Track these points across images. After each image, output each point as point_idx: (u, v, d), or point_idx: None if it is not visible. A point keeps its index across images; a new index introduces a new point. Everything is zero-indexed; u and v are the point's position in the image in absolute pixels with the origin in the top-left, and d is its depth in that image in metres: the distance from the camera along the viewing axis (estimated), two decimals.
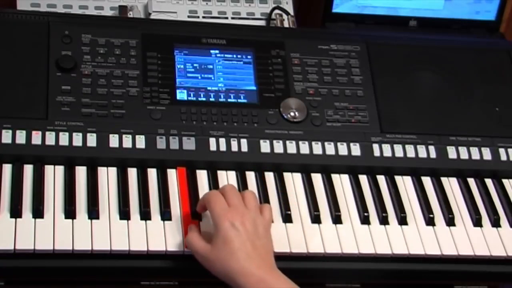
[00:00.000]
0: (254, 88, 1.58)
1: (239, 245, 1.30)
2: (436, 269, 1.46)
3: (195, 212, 1.42)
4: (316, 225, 1.46)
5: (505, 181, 1.60)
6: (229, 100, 1.56)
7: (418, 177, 1.56)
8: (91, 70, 1.53)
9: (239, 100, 1.57)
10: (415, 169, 1.57)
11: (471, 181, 1.58)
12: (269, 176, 1.51)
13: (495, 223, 1.52)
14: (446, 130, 1.61)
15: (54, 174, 1.44)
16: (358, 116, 1.59)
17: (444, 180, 1.57)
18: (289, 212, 1.46)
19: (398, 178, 1.56)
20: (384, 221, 1.48)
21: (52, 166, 1.45)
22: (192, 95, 1.55)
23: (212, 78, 1.58)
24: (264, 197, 1.47)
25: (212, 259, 1.31)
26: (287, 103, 1.57)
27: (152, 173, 1.48)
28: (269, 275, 1.29)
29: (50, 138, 1.45)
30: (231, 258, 1.29)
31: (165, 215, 1.41)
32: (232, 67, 1.60)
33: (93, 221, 1.38)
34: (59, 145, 1.45)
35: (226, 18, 1.82)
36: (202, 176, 1.49)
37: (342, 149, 1.55)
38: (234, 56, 1.61)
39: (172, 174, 1.48)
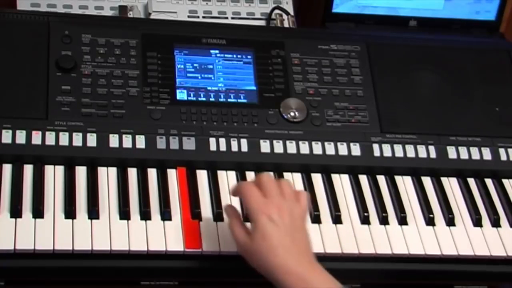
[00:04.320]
0: (254, 88, 1.58)
1: (278, 240, 1.28)
2: (436, 269, 1.46)
3: (195, 212, 1.42)
4: (316, 225, 1.46)
5: (505, 181, 1.60)
6: (229, 100, 1.56)
7: (418, 177, 1.56)
8: (91, 70, 1.53)
9: (239, 100, 1.57)
10: (415, 169, 1.57)
11: (471, 181, 1.58)
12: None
13: (495, 223, 1.52)
14: (446, 130, 1.61)
15: (54, 174, 1.44)
16: (358, 116, 1.59)
17: (444, 180, 1.57)
18: None
19: (398, 178, 1.56)
20: (384, 221, 1.49)
21: (52, 166, 1.45)
22: (192, 95, 1.55)
23: (212, 78, 1.58)
24: None
25: (251, 253, 1.30)
26: (287, 103, 1.57)
27: (152, 173, 1.48)
28: (309, 272, 1.27)
29: (50, 138, 1.45)
30: (270, 253, 1.28)
31: (165, 215, 1.41)
32: (232, 67, 1.60)
33: (93, 221, 1.38)
34: (59, 145, 1.45)
35: (226, 18, 1.82)
36: (202, 176, 1.49)
37: (342, 149, 1.55)
38: (234, 56, 1.61)
39: (172, 174, 1.48)
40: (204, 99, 1.55)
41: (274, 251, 1.27)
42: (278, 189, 1.33)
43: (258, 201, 1.31)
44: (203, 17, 1.80)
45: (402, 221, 1.49)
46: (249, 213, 1.32)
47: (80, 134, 1.46)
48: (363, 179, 1.55)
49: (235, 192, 1.37)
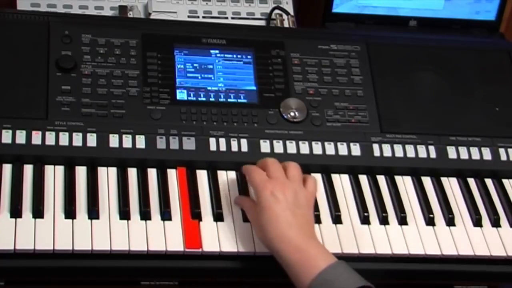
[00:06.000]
0: (254, 88, 1.58)
1: (279, 212, 1.34)
2: (436, 269, 1.46)
3: (195, 212, 1.42)
4: (316, 225, 1.45)
5: (505, 181, 1.60)
6: (229, 100, 1.56)
7: (418, 177, 1.56)
8: (91, 70, 1.53)
9: (239, 100, 1.57)
10: (415, 169, 1.57)
11: (471, 181, 1.58)
12: None
13: (495, 223, 1.52)
14: (446, 130, 1.61)
15: (54, 174, 1.44)
16: (358, 116, 1.59)
17: (444, 180, 1.57)
18: None
19: (398, 178, 1.56)
20: (384, 221, 1.49)
21: (52, 166, 1.45)
22: (192, 95, 1.55)
23: (212, 78, 1.58)
24: None
25: (255, 225, 1.37)
26: (287, 103, 1.57)
27: (152, 173, 1.48)
28: (306, 245, 1.31)
29: (50, 138, 1.45)
30: (271, 224, 1.33)
31: (165, 215, 1.41)
32: (232, 67, 1.60)
33: (93, 221, 1.38)
34: (59, 145, 1.45)
35: (226, 18, 1.82)
36: (202, 176, 1.49)
37: (342, 149, 1.55)
38: (234, 56, 1.61)
39: (172, 174, 1.48)
40: (204, 99, 1.55)
41: (274, 222, 1.33)
42: (283, 172, 1.40)
43: (262, 178, 1.39)
44: (203, 17, 1.80)
45: (402, 221, 1.49)
46: (254, 190, 1.39)
47: (80, 134, 1.46)
48: (363, 179, 1.55)
49: (243, 171, 1.44)
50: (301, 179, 1.41)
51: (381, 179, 1.55)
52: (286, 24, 1.81)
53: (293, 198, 1.36)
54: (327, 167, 1.54)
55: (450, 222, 1.51)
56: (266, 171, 1.41)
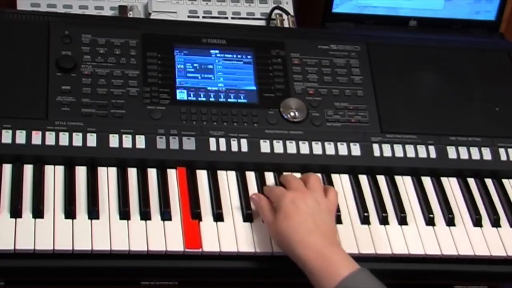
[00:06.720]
0: (254, 88, 1.58)
1: (300, 219, 1.34)
2: (436, 269, 1.46)
3: (195, 212, 1.42)
4: None
5: (505, 181, 1.60)
6: (229, 100, 1.56)
7: (418, 177, 1.56)
8: (91, 70, 1.53)
9: (239, 100, 1.57)
10: (415, 169, 1.57)
11: (471, 181, 1.58)
12: (269, 176, 1.51)
13: (495, 223, 1.52)
14: (446, 130, 1.61)
15: (54, 174, 1.44)
16: (358, 116, 1.59)
17: (444, 180, 1.57)
18: None
19: (398, 178, 1.56)
20: (384, 221, 1.49)
21: (52, 166, 1.45)
22: (192, 95, 1.55)
23: (212, 78, 1.58)
24: None
25: (276, 233, 1.36)
26: (287, 103, 1.57)
27: (152, 173, 1.48)
28: (329, 252, 1.31)
29: (50, 138, 1.45)
30: (292, 231, 1.33)
31: (165, 215, 1.41)
32: (232, 67, 1.60)
33: (93, 221, 1.38)
34: (59, 145, 1.45)
35: (226, 18, 1.82)
36: (202, 176, 1.49)
37: (342, 149, 1.55)
38: (234, 56, 1.61)
39: (172, 174, 1.48)
40: (204, 99, 1.55)
41: (295, 228, 1.33)
42: (303, 184, 1.41)
43: (283, 190, 1.39)
44: (203, 17, 1.80)
45: (402, 221, 1.49)
46: (274, 201, 1.39)
47: (80, 134, 1.46)
48: (363, 179, 1.55)
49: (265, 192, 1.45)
50: (322, 189, 1.42)
51: (381, 179, 1.55)
52: (286, 24, 1.81)
53: (314, 206, 1.36)
54: (327, 167, 1.54)
55: (450, 222, 1.51)
56: (286, 185, 1.42)
